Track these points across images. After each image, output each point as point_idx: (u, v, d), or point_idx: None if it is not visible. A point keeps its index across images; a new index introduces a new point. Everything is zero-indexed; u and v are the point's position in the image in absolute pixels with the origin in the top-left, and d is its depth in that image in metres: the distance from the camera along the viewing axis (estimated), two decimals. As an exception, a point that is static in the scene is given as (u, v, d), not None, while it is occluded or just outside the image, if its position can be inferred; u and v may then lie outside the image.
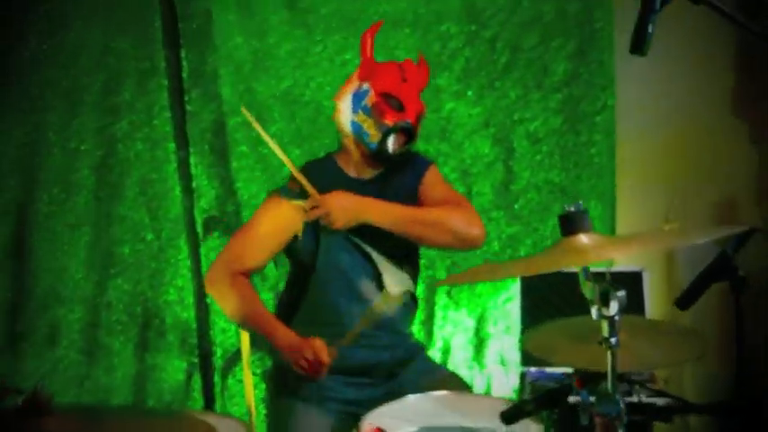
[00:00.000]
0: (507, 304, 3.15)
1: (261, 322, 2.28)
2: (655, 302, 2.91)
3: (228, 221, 2.91)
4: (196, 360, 2.88)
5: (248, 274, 2.34)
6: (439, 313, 3.17)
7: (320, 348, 2.12)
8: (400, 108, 2.29)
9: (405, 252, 2.41)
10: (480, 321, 3.16)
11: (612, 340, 1.43)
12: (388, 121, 2.27)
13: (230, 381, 2.92)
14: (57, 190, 2.68)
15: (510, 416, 1.71)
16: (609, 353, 1.44)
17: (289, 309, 2.36)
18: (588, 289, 1.43)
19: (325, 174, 2.35)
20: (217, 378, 2.91)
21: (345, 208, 2.21)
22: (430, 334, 3.14)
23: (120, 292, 2.77)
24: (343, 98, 2.33)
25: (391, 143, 2.29)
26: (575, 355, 1.81)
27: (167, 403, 2.79)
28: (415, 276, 2.46)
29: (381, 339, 2.31)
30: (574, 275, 3.22)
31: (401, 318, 2.39)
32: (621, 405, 1.41)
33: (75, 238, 2.70)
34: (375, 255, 2.32)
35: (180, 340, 2.84)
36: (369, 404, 2.24)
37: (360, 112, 2.30)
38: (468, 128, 3.11)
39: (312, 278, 2.30)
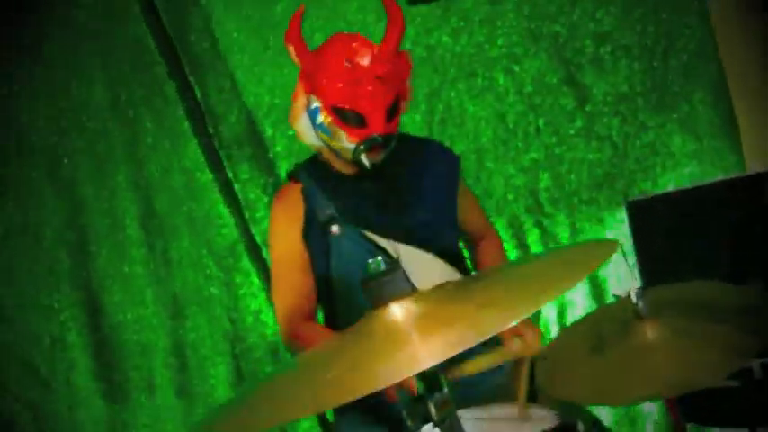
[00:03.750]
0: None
1: None
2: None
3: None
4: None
5: (307, 317, 2.11)
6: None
7: None
8: (360, 122, 1.90)
9: (438, 240, 2.10)
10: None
11: None
12: (351, 142, 1.92)
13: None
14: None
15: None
16: None
17: (330, 324, 2.15)
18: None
19: (318, 175, 2.06)
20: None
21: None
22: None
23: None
24: (298, 119, 2.00)
25: (366, 161, 1.94)
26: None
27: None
28: (457, 259, 2.15)
29: None
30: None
31: None
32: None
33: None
34: (395, 250, 2.01)
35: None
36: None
37: (319, 132, 1.97)
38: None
39: (334, 291, 2.06)
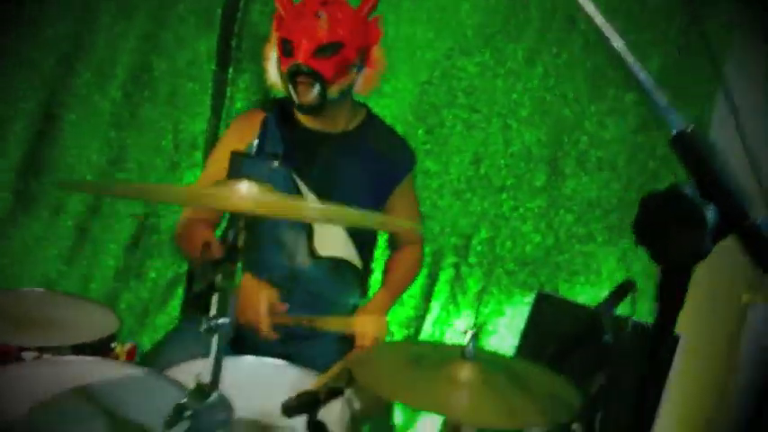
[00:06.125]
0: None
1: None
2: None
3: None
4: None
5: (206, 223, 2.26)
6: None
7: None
8: (290, 50, 2.04)
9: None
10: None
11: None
12: (283, 71, 2.07)
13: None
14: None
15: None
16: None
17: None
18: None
19: (283, 114, 2.21)
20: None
21: (377, 333, 2.09)
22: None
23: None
24: (268, 57, 2.15)
25: (294, 94, 2.07)
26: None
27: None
28: (365, 246, 2.26)
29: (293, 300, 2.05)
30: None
31: (328, 284, 2.19)
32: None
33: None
34: (312, 202, 2.12)
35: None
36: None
37: (277, 68, 2.13)
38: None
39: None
